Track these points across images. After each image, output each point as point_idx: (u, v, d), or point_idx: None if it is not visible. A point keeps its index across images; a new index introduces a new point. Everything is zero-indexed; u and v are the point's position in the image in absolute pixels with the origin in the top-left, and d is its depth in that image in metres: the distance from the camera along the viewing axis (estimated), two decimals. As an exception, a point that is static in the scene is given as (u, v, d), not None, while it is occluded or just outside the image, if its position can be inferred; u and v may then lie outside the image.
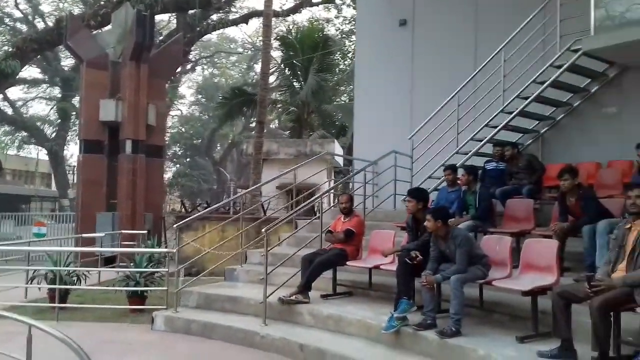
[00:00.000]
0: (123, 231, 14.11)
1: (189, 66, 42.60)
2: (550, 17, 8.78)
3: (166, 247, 13.52)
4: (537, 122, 9.58)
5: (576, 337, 4.22)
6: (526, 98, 8.75)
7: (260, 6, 22.72)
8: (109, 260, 12.96)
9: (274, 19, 24.79)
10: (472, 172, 7.04)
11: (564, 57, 8.53)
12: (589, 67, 8.74)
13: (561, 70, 8.46)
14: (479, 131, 9.13)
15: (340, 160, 21.84)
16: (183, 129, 46.91)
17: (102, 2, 24.57)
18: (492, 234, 6.28)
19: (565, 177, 5.90)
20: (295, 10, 31.39)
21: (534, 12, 8.79)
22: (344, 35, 32.11)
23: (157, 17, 27.14)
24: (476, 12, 10.75)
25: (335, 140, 23.63)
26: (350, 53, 29.19)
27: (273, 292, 6.56)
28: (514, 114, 8.79)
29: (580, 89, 9.15)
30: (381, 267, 6.34)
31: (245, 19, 31.55)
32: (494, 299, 5.52)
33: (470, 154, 8.96)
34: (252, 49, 43.15)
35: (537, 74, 8.71)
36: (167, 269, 7.71)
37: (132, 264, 8.94)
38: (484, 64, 9.26)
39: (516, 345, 4.61)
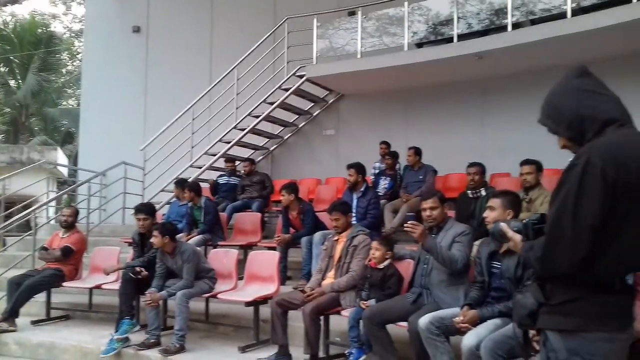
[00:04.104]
0: None
1: None
2: (280, 42, 9.44)
3: None
4: (267, 139, 10.16)
5: (292, 342, 4.49)
6: (257, 117, 9.21)
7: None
8: None
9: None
10: (193, 189, 7.02)
11: (291, 81, 9.25)
12: (312, 93, 9.63)
13: (288, 93, 9.16)
14: (212, 146, 9.28)
15: (65, 171, 19.93)
16: None
17: None
18: (222, 247, 6.37)
19: (282, 193, 6.35)
20: (14, 0, 27.67)
21: (265, 36, 9.34)
22: (73, 34, 29.51)
23: None
24: (211, 28, 10.97)
25: (59, 148, 21.46)
26: (80, 54, 27.00)
27: (-32, 323, 5.53)
28: (245, 131, 9.17)
29: (305, 112, 10.03)
30: (103, 286, 5.88)
31: (-52, 2, 26.63)
32: (219, 311, 5.57)
33: (203, 168, 9.03)
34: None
35: (267, 95, 9.26)
36: None
37: None
38: (217, 81, 9.46)
39: (238, 356, 4.70)
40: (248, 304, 4.90)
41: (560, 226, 1.68)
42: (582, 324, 1.70)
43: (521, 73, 8.03)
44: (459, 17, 7.91)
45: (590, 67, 1.87)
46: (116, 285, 5.52)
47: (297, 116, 10.10)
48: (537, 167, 5.31)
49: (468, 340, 3.22)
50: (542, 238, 1.74)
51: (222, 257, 5.66)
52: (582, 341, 1.70)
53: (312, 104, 10.01)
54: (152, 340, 4.94)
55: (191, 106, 9.34)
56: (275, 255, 5.42)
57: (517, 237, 1.91)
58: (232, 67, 9.31)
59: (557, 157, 1.83)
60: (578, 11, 6.98)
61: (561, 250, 1.67)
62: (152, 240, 5.15)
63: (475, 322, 3.37)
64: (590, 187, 1.64)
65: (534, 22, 7.42)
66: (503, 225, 1.98)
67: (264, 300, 4.92)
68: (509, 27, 7.40)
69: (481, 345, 3.10)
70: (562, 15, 7.01)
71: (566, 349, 1.71)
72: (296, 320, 4.49)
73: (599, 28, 6.56)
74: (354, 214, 5.94)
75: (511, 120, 8.20)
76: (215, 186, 8.51)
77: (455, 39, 7.86)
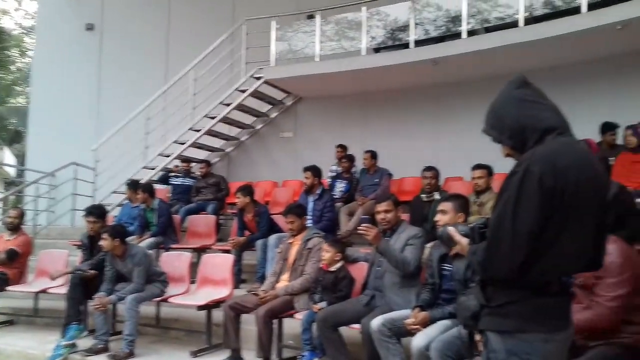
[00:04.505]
0: None
1: None
2: (238, 43, 9.35)
3: None
4: (224, 141, 10.05)
5: (245, 346, 4.44)
6: (214, 118, 9.10)
7: None
8: None
9: None
10: (147, 190, 6.89)
11: (248, 82, 9.17)
12: (269, 95, 9.57)
13: (245, 95, 9.07)
14: (167, 147, 9.11)
15: (12, 171, 19.26)
16: None
17: None
18: (175, 250, 6.26)
19: (238, 195, 6.30)
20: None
21: (222, 37, 9.23)
22: (23, 31, 28.52)
23: None
24: (168, 27, 10.79)
25: (7, 147, 20.73)
26: (31, 51, 26.10)
27: None
28: (201, 132, 9.05)
29: (262, 114, 9.97)
30: (49, 290, 5.68)
31: None
32: (171, 315, 5.45)
33: (157, 169, 8.86)
34: None
35: (225, 96, 9.15)
36: None
37: None
38: (174, 81, 9.28)
39: (190, 360, 4.63)
40: (200, 307, 4.81)
41: (500, 232, 1.71)
42: (520, 325, 1.74)
43: (475, 80, 8.18)
44: (416, 24, 8.03)
45: (538, 75, 1.92)
46: (63, 290, 5.35)
47: (255, 118, 10.02)
48: (488, 171, 5.46)
49: (417, 341, 3.25)
50: (485, 242, 1.77)
51: (174, 260, 5.56)
52: (520, 342, 1.73)
53: (270, 106, 9.96)
54: (101, 346, 4.79)
55: (146, 106, 9.14)
56: (229, 258, 5.35)
57: (464, 241, 1.94)
58: (189, 67, 9.16)
59: (507, 162, 1.90)
60: (530, 20, 7.18)
61: (501, 255, 1.70)
62: (102, 243, 5.00)
63: (426, 324, 3.40)
64: (528, 195, 1.68)
65: (488, 29, 7.59)
66: (451, 229, 2.01)
67: (216, 304, 4.85)
68: (464, 35, 7.55)
69: (431, 346, 3.13)
70: (515, 24, 7.20)
71: (505, 350, 1.74)
72: (249, 324, 4.44)
73: (548, 37, 6.77)
74: (309, 217, 5.93)
75: (464, 125, 8.32)
76: (165, 177, 8.42)
77: (412, 45, 7.97)
